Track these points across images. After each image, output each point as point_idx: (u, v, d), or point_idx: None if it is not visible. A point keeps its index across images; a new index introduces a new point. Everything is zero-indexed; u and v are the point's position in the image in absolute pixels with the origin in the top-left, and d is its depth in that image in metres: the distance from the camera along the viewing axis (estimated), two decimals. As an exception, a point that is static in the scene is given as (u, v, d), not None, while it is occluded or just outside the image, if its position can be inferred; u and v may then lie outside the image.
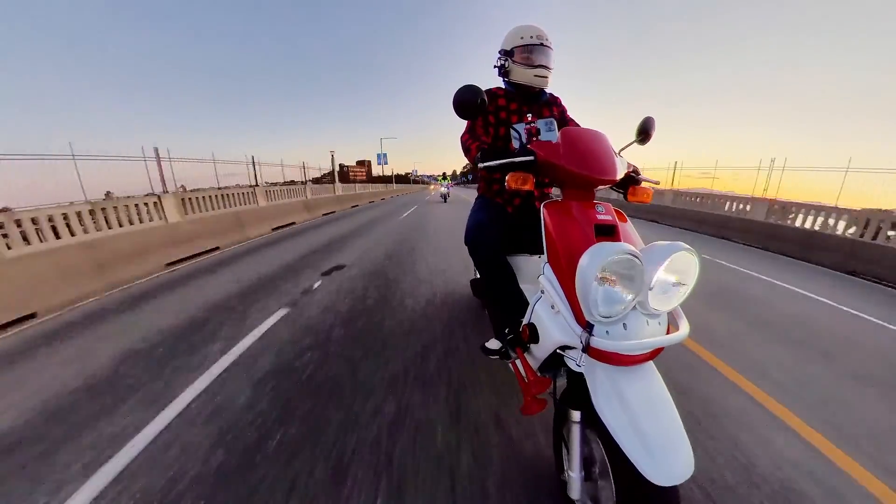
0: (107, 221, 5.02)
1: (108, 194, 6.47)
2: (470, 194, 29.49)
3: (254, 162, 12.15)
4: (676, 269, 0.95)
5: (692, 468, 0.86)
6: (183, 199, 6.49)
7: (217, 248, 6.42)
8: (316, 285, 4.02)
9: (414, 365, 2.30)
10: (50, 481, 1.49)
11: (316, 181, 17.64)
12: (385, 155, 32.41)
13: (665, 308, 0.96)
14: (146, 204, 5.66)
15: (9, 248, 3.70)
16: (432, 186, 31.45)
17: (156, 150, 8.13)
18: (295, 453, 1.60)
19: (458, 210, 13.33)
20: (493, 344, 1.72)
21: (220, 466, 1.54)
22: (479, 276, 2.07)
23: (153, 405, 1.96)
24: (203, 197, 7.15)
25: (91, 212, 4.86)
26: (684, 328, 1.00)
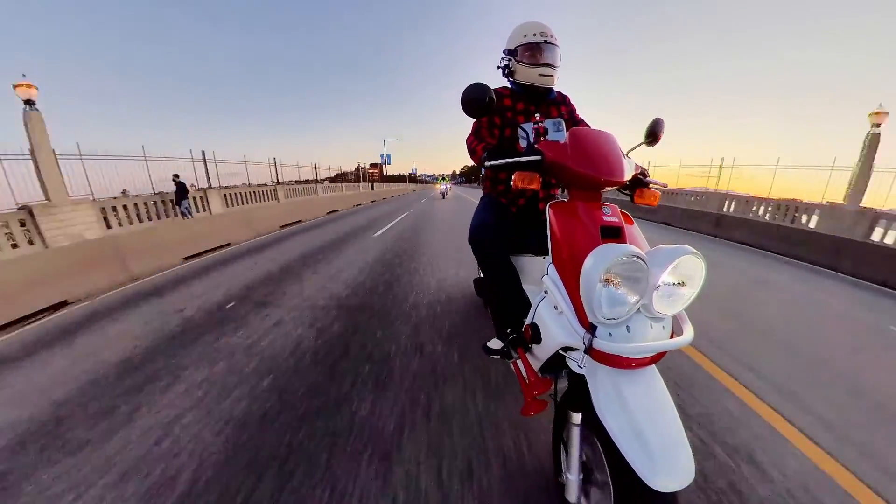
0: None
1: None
2: (463, 190, 38.52)
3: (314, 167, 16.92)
4: (682, 272, 0.93)
5: (693, 475, 0.85)
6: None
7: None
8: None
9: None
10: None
11: (332, 180, 20.51)
12: (389, 155, 34.21)
13: (669, 312, 0.95)
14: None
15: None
16: (436, 185, 32.97)
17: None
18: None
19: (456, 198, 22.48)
20: (495, 343, 1.71)
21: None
22: (482, 275, 2.06)
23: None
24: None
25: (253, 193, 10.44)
26: (688, 333, 0.99)
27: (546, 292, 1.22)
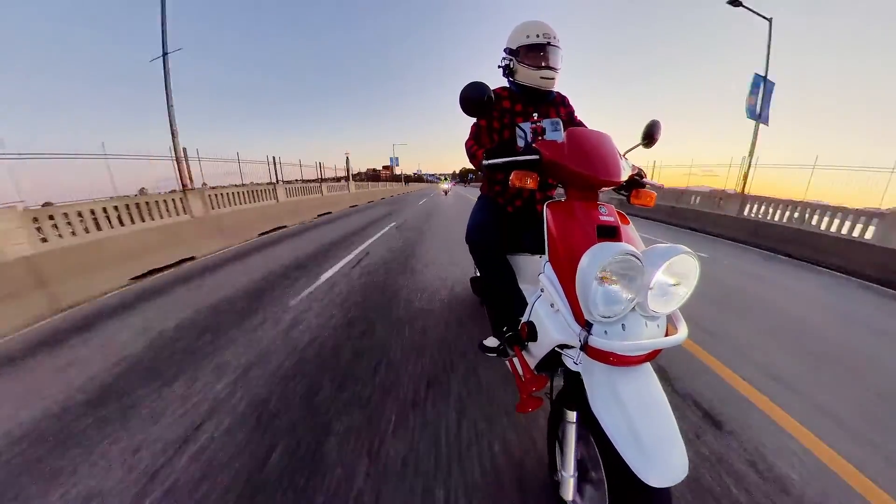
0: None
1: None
2: (464, 189, 41.85)
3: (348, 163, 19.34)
4: (676, 271, 0.95)
5: (686, 470, 0.86)
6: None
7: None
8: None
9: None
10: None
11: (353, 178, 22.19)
12: (397, 159, 45.61)
13: (664, 310, 0.96)
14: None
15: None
16: (439, 185, 34.97)
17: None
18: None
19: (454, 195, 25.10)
20: (491, 342, 1.72)
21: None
22: (479, 274, 2.07)
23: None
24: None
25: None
26: (683, 331, 1.00)
27: (542, 290, 1.23)
